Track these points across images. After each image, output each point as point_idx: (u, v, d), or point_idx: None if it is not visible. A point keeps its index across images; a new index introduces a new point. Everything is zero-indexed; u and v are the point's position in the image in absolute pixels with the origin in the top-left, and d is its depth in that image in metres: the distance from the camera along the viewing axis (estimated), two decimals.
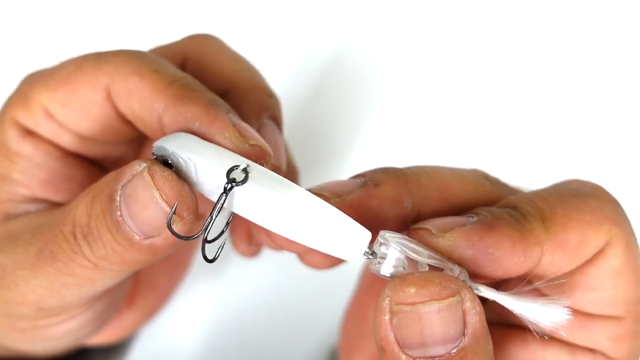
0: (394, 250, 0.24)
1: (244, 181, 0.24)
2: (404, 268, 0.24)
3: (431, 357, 0.22)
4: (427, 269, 0.24)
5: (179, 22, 0.50)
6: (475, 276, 0.24)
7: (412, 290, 0.22)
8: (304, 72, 0.50)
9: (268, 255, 0.48)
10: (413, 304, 0.22)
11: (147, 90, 0.26)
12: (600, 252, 0.25)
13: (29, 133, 0.28)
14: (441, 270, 0.24)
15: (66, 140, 0.29)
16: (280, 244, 0.27)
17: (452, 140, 0.49)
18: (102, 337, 0.35)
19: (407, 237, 0.24)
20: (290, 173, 0.32)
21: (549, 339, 0.27)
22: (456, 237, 0.24)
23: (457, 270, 0.24)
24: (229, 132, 0.25)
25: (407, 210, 0.26)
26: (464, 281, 0.24)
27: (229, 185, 0.24)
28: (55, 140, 0.29)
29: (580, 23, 0.49)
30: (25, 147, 0.28)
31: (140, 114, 0.27)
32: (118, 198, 0.24)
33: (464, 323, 0.22)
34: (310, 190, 0.25)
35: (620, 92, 0.48)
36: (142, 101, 0.26)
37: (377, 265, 0.24)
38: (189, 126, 0.25)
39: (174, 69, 0.27)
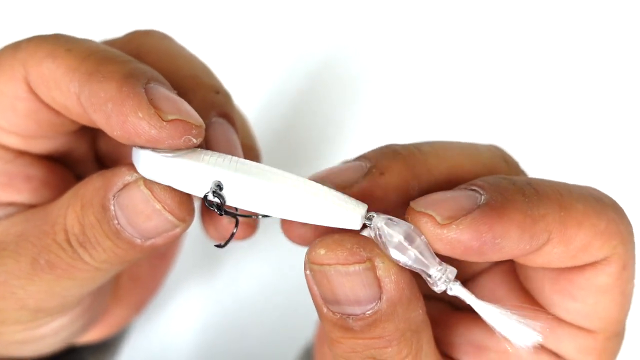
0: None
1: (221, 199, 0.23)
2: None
3: (348, 315, 0.23)
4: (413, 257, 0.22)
5: (174, 19, 0.49)
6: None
7: (322, 251, 0.23)
8: (297, 70, 0.50)
9: (262, 255, 0.48)
10: (321, 264, 0.23)
11: (60, 72, 0.24)
12: (592, 265, 0.24)
13: None
14: (427, 267, 0.23)
15: (10, 141, 0.28)
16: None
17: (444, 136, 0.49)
18: (91, 335, 0.34)
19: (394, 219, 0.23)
20: (253, 158, 0.31)
21: None
22: (463, 228, 0.21)
23: (442, 268, 0.23)
24: (142, 111, 0.22)
25: (413, 196, 0.24)
26: (445, 277, 0.23)
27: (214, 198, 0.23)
28: (0, 142, 0.28)
29: (578, 22, 0.48)
30: None
31: (60, 100, 0.25)
32: (112, 207, 0.24)
33: (380, 288, 0.22)
34: (313, 177, 0.25)
35: (622, 92, 0.48)
36: (58, 85, 0.24)
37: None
38: (103, 108, 0.23)
39: (91, 44, 0.25)
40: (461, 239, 0.21)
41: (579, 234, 0.23)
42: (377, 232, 0.23)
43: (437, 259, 0.23)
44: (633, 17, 0.48)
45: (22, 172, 0.28)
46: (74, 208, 0.25)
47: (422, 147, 0.25)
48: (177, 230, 0.25)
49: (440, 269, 0.23)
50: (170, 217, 0.24)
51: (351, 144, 0.49)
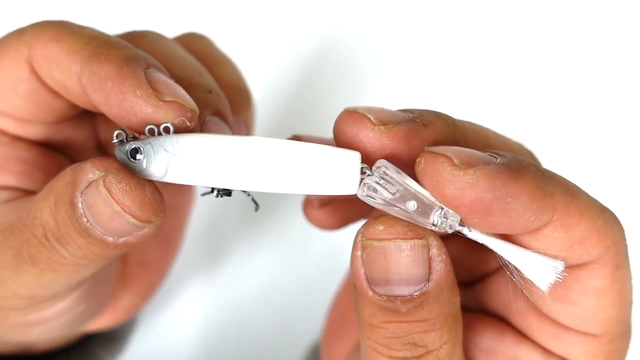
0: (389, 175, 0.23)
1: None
2: (392, 195, 0.23)
3: (394, 297, 0.23)
4: (414, 206, 0.23)
5: (169, 17, 0.49)
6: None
7: (381, 227, 0.23)
8: (290, 65, 0.49)
9: (266, 253, 0.48)
10: (380, 239, 0.23)
11: (64, 53, 0.25)
12: (586, 266, 0.24)
13: None
14: (429, 208, 0.23)
15: (6, 125, 0.28)
16: None
17: None
18: (101, 321, 0.34)
19: (403, 173, 0.23)
20: (242, 96, 0.31)
21: (525, 337, 0.27)
22: (479, 175, 0.21)
23: (443, 212, 0.23)
24: (140, 89, 0.23)
25: None
26: (456, 222, 0.23)
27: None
28: None
29: (579, 22, 0.48)
30: None
31: (60, 80, 0.25)
32: (80, 205, 0.23)
33: (430, 269, 0.23)
34: (355, 109, 0.24)
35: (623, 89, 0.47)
36: (60, 66, 0.25)
37: (367, 191, 0.23)
38: (102, 86, 0.23)
39: (94, 30, 0.26)
40: (475, 186, 0.21)
41: (580, 223, 0.23)
42: (381, 180, 0.23)
43: (438, 202, 0.23)
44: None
45: (17, 155, 0.28)
46: (48, 203, 0.24)
47: (463, 121, 0.25)
48: (145, 230, 0.24)
49: (442, 212, 0.23)
50: (132, 220, 0.23)
51: None
